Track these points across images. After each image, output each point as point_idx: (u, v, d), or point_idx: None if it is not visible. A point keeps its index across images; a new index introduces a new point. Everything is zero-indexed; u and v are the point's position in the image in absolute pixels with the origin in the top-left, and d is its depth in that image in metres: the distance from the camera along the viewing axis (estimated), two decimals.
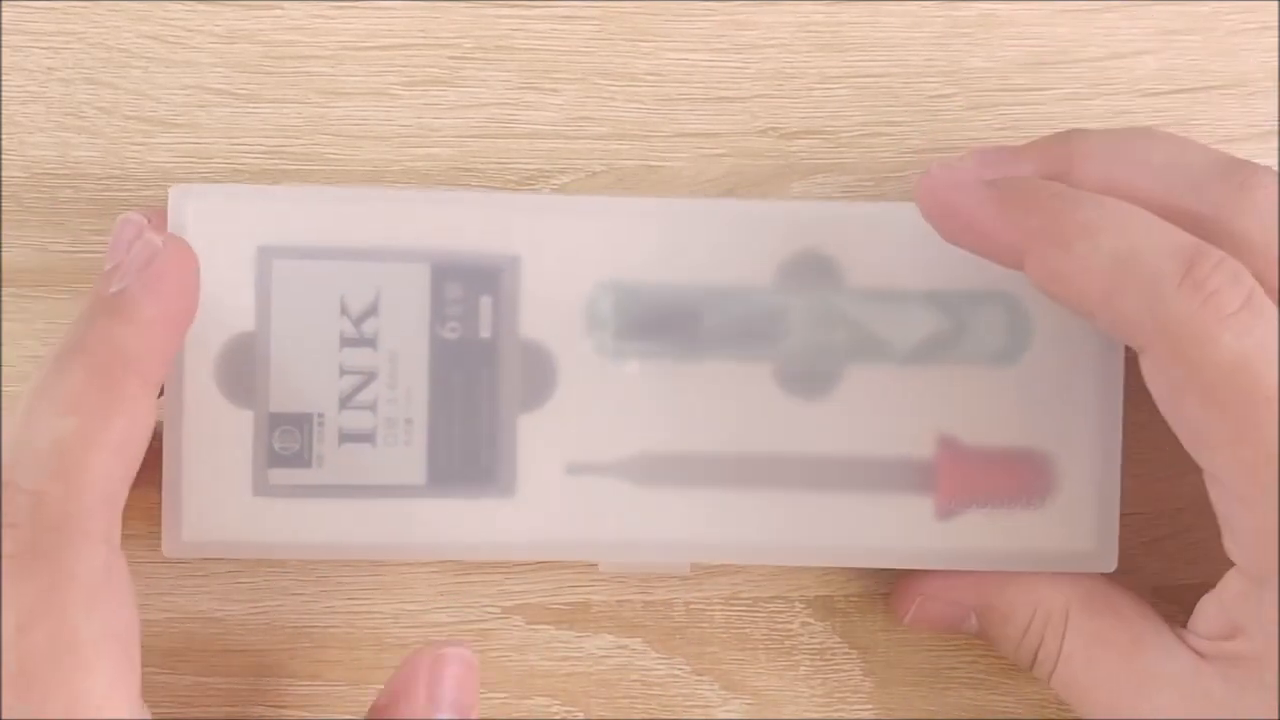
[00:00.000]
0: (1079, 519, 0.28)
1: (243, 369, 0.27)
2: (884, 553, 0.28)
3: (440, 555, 0.28)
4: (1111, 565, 0.28)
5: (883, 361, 0.28)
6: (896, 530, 0.27)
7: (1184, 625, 0.26)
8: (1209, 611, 0.25)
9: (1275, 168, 0.27)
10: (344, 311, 0.27)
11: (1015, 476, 0.27)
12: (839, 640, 0.30)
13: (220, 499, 0.27)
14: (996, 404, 0.28)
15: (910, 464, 0.28)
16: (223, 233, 0.27)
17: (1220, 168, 0.25)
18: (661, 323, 0.27)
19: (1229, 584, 0.25)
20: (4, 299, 0.29)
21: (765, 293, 0.28)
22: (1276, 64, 0.30)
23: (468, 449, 0.27)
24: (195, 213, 0.27)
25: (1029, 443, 0.28)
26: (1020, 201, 0.24)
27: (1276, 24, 0.30)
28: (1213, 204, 0.25)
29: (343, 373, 0.27)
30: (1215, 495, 0.24)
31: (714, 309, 0.28)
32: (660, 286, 0.28)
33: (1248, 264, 0.23)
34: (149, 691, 0.29)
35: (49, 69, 0.29)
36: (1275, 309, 0.23)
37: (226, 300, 0.27)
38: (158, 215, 0.27)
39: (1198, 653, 0.25)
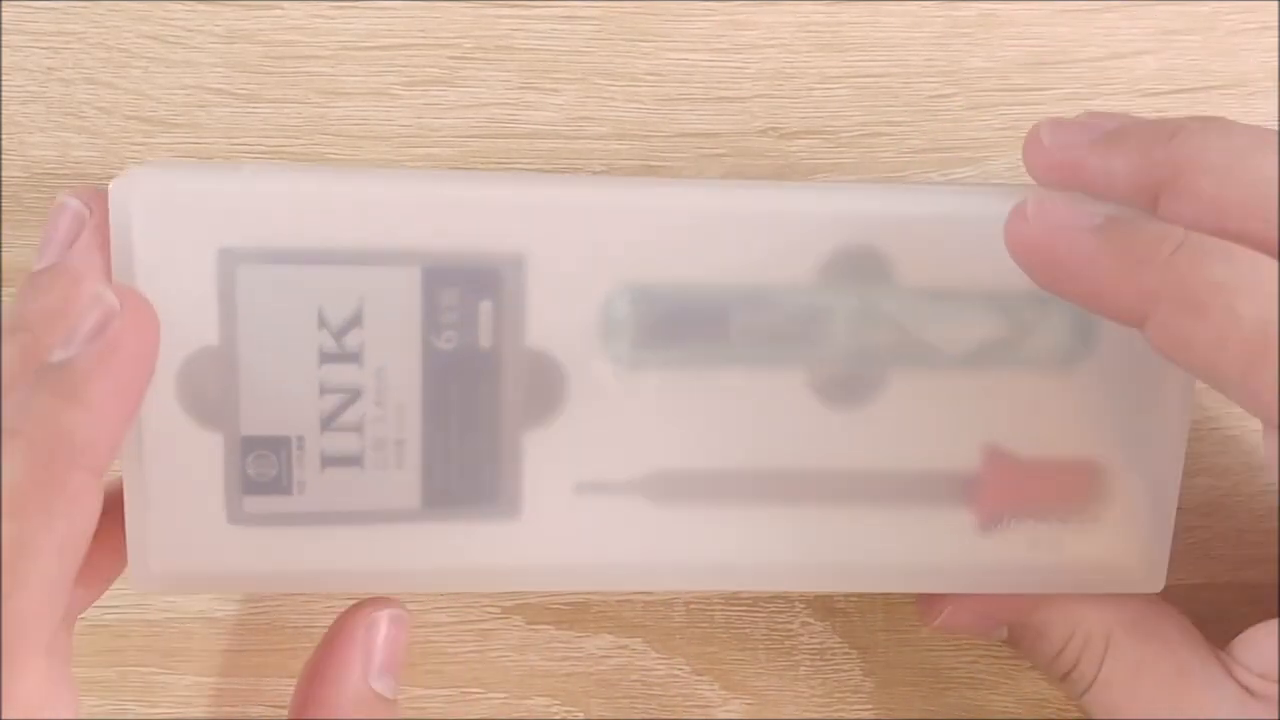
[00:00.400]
0: (1129, 536, 0.26)
1: (208, 387, 0.24)
2: (922, 575, 0.26)
3: (439, 584, 0.26)
4: (1158, 586, 0.26)
5: (932, 367, 0.25)
6: (935, 550, 0.26)
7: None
8: (1262, 645, 0.24)
9: None
10: (322, 323, 0.24)
11: (1063, 489, 0.26)
12: (839, 640, 0.30)
13: (191, 529, 0.24)
14: (1053, 411, 0.25)
15: (954, 478, 0.26)
16: (177, 232, 0.23)
17: None
18: (685, 327, 0.25)
19: None
20: (4, 299, 0.29)
21: (804, 292, 0.25)
22: (1276, 64, 0.30)
23: (467, 469, 0.25)
24: (144, 209, 0.23)
25: (1084, 453, 0.25)
26: (1141, 255, 0.21)
27: (1276, 24, 0.30)
28: None
29: (323, 391, 0.24)
30: None
31: (744, 310, 0.25)
32: (684, 286, 0.25)
33: None
34: (149, 691, 0.29)
35: (49, 69, 0.29)
36: None
37: (185, 310, 0.23)
38: (98, 199, 0.23)
39: (1246, 688, 0.24)
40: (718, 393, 0.25)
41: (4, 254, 0.29)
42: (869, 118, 0.30)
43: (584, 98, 0.30)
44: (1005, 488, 0.25)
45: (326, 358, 0.24)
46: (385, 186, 0.24)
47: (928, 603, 0.27)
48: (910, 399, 0.25)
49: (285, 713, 0.29)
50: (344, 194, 0.24)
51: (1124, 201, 0.23)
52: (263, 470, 0.24)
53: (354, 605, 0.25)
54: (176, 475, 0.24)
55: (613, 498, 0.25)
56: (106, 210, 0.23)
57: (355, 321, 0.24)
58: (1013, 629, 0.27)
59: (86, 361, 0.21)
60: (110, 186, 0.23)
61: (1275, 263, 0.21)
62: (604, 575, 0.25)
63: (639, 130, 0.30)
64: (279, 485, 0.24)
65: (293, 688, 0.29)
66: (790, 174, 0.30)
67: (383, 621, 0.25)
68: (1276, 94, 0.30)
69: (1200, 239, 0.21)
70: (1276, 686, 0.23)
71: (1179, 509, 0.29)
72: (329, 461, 0.24)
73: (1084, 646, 0.25)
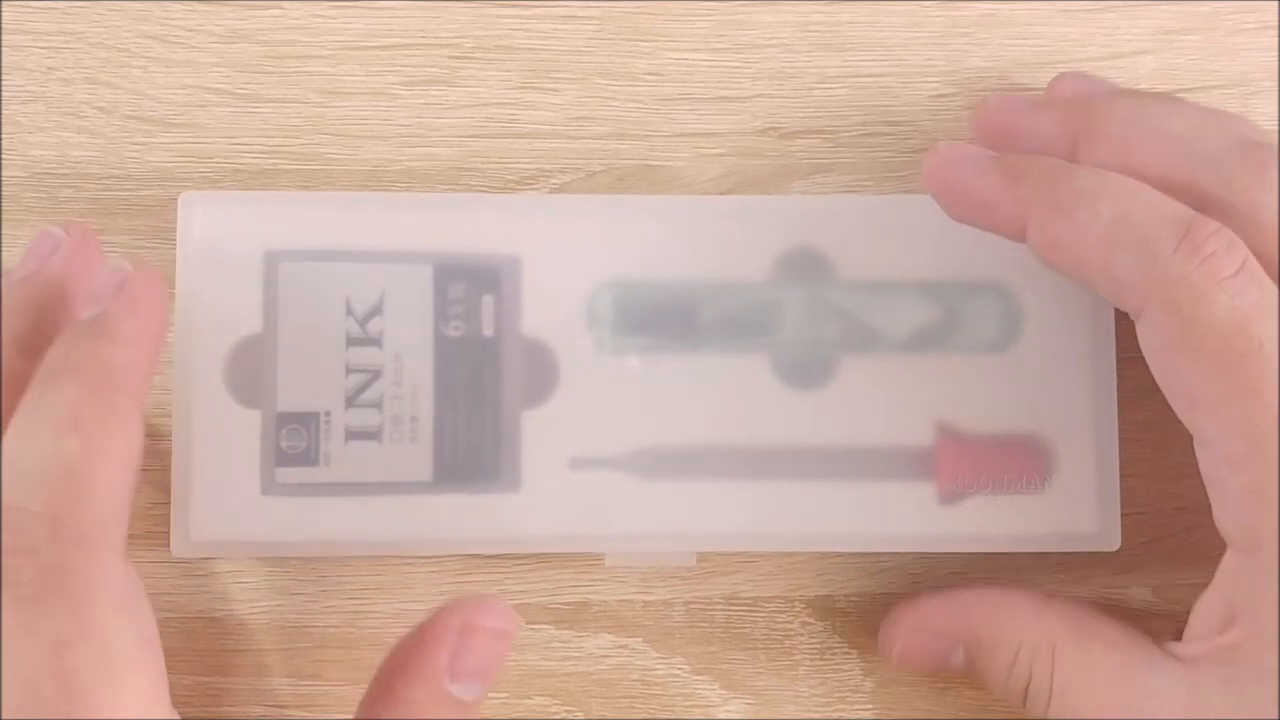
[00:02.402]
0: (1080, 501, 0.28)
1: (251, 370, 0.27)
2: (888, 539, 0.28)
3: (447, 550, 0.28)
4: (1114, 544, 0.28)
5: (878, 351, 0.28)
6: (899, 517, 0.28)
7: (1185, 623, 0.26)
8: (1207, 604, 0.25)
9: None
10: (349, 312, 0.28)
11: (1015, 461, 0.28)
12: (839, 640, 0.30)
13: (228, 498, 0.27)
14: (992, 391, 0.28)
15: (910, 451, 0.28)
16: (231, 238, 0.28)
17: (1239, 145, 0.25)
18: (660, 318, 0.28)
19: (1223, 567, 0.25)
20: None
21: (761, 286, 0.28)
22: (1276, 64, 0.30)
23: (473, 445, 0.28)
24: (204, 219, 0.28)
25: (1026, 428, 0.28)
26: (1020, 172, 0.25)
27: (1276, 24, 0.30)
28: (1226, 180, 0.25)
29: (349, 371, 0.28)
30: (1205, 461, 0.24)
31: (711, 303, 0.28)
32: (658, 282, 0.28)
33: (1255, 244, 0.24)
34: None
35: (49, 69, 0.29)
36: (1272, 278, 0.23)
37: (234, 303, 0.27)
38: (77, 229, 0.26)
39: (1192, 662, 0.25)
40: (692, 376, 0.28)
41: (4, 254, 0.29)
42: (869, 118, 0.30)
43: (584, 98, 0.30)
44: (958, 461, 0.28)
45: (353, 341, 0.28)
46: (403, 198, 0.29)
47: (886, 637, 0.28)
48: (862, 380, 0.28)
49: (285, 712, 0.29)
50: (369, 204, 0.28)
51: (1048, 151, 0.26)
52: (294, 443, 0.27)
53: (458, 600, 0.24)
54: (218, 451, 0.27)
55: (602, 472, 0.28)
56: (86, 238, 0.26)
57: (377, 310, 0.28)
58: (969, 649, 0.27)
59: (115, 309, 0.24)
60: (179, 200, 0.28)
61: (1141, 183, 0.24)
62: (595, 543, 0.28)
63: (639, 130, 0.30)
64: (308, 457, 0.27)
65: (293, 688, 0.29)
66: (790, 174, 0.30)
67: (477, 630, 0.23)
68: (1277, 94, 0.30)
69: (1074, 164, 0.25)
70: (1221, 640, 0.24)
71: (1179, 509, 0.30)
72: (352, 435, 0.28)
73: (1033, 658, 0.26)
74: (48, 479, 0.21)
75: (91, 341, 0.23)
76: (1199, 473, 0.25)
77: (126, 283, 0.24)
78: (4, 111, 0.29)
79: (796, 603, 0.30)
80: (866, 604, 0.30)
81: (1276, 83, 0.30)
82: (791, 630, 0.30)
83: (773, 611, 0.30)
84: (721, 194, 0.30)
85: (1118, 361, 0.28)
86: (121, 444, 0.22)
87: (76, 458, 0.22)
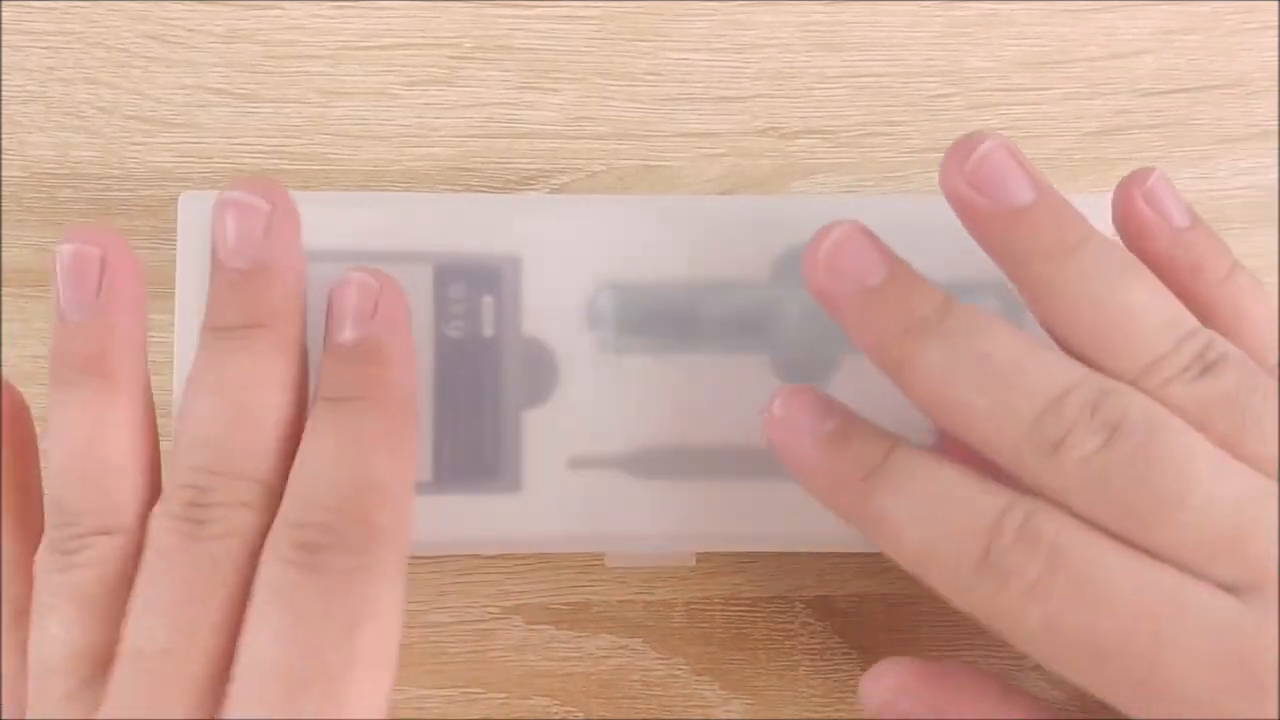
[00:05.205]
0: None
1: None
2: None
3: (447, 551, 0.28)
4: None
5: None
6: None
7: None
8: None
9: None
10: None
11: None
12: (839, 640, 0.30)
13: None
14: None
15: None
16: None
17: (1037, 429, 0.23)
18: (660, 318, 0.28)
19: None
20: (4, 299, 0.29)
21: (761, 287, 0.28)
22: (1276, 64, 0.30)
23: (472, 445, 0.28)
24: (204, 219, 0.27)
25: None
26: (842, 474, 0.24)
27: (1276, 24, 0.30)
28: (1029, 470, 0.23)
29: None
30: None
31: (711, 303, 0.28)
32: (658, 283, 0.28)
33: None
34: None
35: (49, 69, 0.29)
36: (1079, 550, 0.22)
37: None
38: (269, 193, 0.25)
39: None
40: (692, 376, 0.28)
41: (4, 254, 0.29)
42: (869, 118, 0.30)
43: (584, 98, 0.30)
44: (958, 462, 0.27)
45: None
46: (403, 198, 0.29)
47: (872, 692, 0.26)
48: (862, 380, 0.27)
49: None
50: (369, 204, 0.28)
51: None
52: None
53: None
54: None
55: (602, 472, 0.28)
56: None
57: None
58: None
59: (381, 333, 0.25)
60: (179, 200, 0.27)
61: (950, 481, 0.23)
62: (595, 543, 0.28)
63: (639, 130, 0.30)
64: None
65: None
66: (790, 174, 0.30)
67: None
68: (1276, 94, 0.30)
69: (892, 468, 0.24)
70: None
71: None
72: None
73: None
74: (361, 491, 0.23)
75: (373, 368, 0.25)
76: None
77: (381, 302, 0.25)
78: (4, 111, 0.29)
79: (796, 603, 0.30)
80: (866, 604, 0.30)
81: (1276, 83, 0.30)
82: (791, 630, 0.30)
83: (773, 611, 0.30)
84: (721, 194, 0.30)
85: None
86: (412, 461, 0.24)
87: (384, 472, 0.24)
